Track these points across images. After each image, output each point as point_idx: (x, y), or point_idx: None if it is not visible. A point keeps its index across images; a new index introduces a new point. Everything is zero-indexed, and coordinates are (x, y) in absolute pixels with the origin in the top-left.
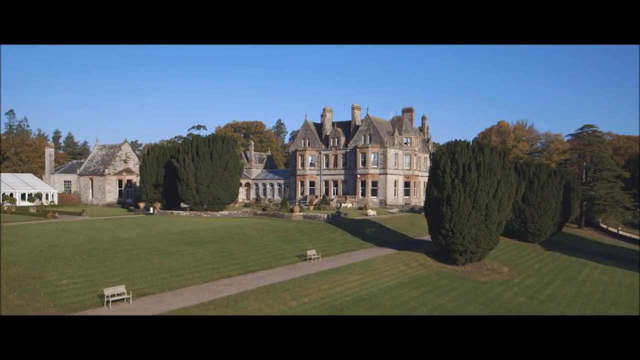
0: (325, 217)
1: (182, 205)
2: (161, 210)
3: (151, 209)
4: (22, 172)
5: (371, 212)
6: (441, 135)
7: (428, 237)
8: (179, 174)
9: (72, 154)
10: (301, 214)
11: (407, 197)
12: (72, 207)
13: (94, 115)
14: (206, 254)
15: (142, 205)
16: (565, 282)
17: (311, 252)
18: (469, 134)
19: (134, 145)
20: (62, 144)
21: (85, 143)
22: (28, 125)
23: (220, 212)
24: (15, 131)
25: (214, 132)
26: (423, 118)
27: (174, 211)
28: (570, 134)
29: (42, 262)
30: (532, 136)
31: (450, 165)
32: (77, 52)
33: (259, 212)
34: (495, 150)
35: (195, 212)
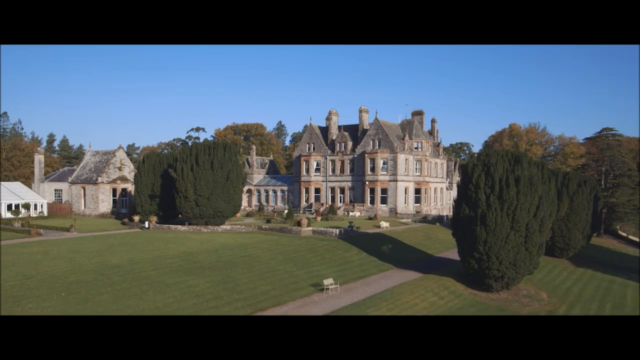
0: (337, 232)
1: (180, 215)
2: (157, 225)
3: (146, 223)
4: (13, 178)
5: (384, 224)
6: (449, 139)
7: (449, 254)
8: (177, 185)
9: (67, 158)
10: (310, 228)
11: (418, 204)
12: (62, 219)
13: (90, 118)
14: (208, 285)
15: (136, 218)
16: (615, 311)
17: (328, 281)
18: (478, 137)
19: (131, 148)
20: (57, 148)
21: (80, 147)
22: (22, 128)
23: (221, 226)
24: (8, 135)
25: (214, 135)
26: (433, 121)
27: (171, 226)
28: (588, 137)
29: (11, 303)
30: (545, 139)
31: (485, 179)
32: (73, 52)
33: (264, 226)
34: (533, 161)
35: (195, 226)
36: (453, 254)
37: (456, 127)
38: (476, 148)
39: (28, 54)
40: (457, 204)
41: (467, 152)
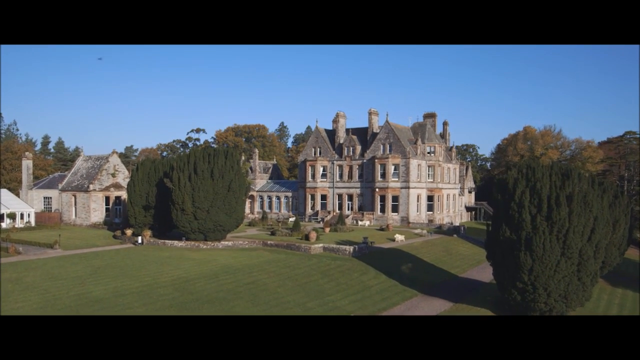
0: (351, 250)
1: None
2: (151, 240)
3: (139, 238)
4: (5, 183)
5: (399, 237)
6: (459, 142)
7: (475, 274)
8: (173, 196)
9: (62, 161)
10: (320, 245)
11: (431, 212)
12: (50, 230)
13: (87, 119)
14: None
15: (129, 232)
16: None
17: None
18: (482, 138)
19: (129, 150)
20: (52, 150)
21: (77, 149)
22: (17, 130)
23: (222, 241)
24: (3, 136)
25: (214, 136)
26: (445, 124)
27: (166, 241)
28: (605, 141)
29: None
30: (561, 142)
31: (530, 197)
32: (70, 52)
33: (269, 241)
34: (583, 175)
35: (193, 242)
36: (479, 274)
37: (460, 129)
38: (482, 150)
39: (24, 54)
40: (495, 223)
41: (473, 154)
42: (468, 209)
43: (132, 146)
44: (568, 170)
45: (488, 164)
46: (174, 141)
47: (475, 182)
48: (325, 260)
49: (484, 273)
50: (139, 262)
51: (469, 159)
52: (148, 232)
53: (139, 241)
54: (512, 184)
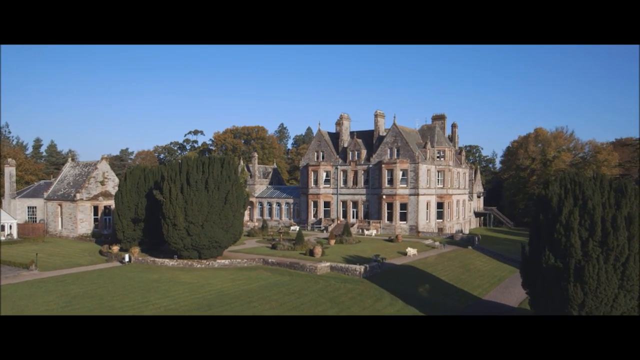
0: (362, 270)
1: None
2: (140, 258)
3: (127, 255)
4: None
5: (411, 251)
6: (462, 144)
7: (498, 296)
8: (164, 210)
9: (54, 165)
10: (327, 264)
11: (440, 220)
12: (32, 244)
13: (81, 121)
14: None
15: (115, 249)
16: None
17: None
18: (489, 141)
19: (125, 153)
20: (44, 154)
21: (70, 152)
22: (10, 132)
23: (218, 259)
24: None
25: (212, 138)
26: (453, 126)
27: (156, 259)
28: (625, 143)
29: None
30: (573, 145)
31: (579, 218)
32: (64, 52)
33: (270, 259)
34: (637, 190)
35: (186, 260)
36: (503, 296)
37: (461, 129)
38: (485, 151)
39: (17, 54)
40: (535, 247)
41: (477, 155)
42: (477, 214)
43: (127, 149)
44: (622, 186)
45: (491, 166)
46: (171, 143)
47: (482, 185)
48: (334, 283)
49: (509, 295)
50: (122, 288)
51: (471, 160)
52: (136, 249)
53: (126, 259)
54: (556, 202)
